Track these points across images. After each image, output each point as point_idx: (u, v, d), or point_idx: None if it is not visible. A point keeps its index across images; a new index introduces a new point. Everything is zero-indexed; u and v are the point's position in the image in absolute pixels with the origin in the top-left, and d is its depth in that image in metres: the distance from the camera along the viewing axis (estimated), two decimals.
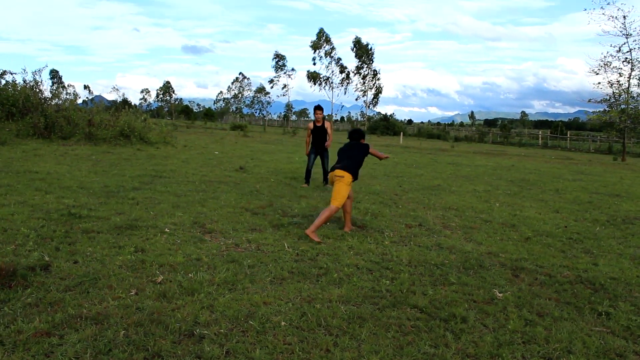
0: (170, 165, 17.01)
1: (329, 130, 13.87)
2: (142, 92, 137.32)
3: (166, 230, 7.99)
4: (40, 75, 26.67)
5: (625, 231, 9.99)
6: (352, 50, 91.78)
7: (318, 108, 13.96)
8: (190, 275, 5.97)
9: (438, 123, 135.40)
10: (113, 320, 4.65)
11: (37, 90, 25.81)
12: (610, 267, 7.33)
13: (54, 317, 4.63)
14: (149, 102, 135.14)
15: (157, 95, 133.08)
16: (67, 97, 28.75)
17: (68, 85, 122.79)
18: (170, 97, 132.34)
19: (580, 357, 4.45)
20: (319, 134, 13.82)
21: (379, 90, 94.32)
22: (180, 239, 7.58)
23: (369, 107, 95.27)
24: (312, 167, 14.10)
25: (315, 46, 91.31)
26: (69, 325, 4.52)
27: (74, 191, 10.97)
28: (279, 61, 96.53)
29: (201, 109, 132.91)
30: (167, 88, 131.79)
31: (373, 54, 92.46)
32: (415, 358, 4.29)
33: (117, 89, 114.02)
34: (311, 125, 13.96)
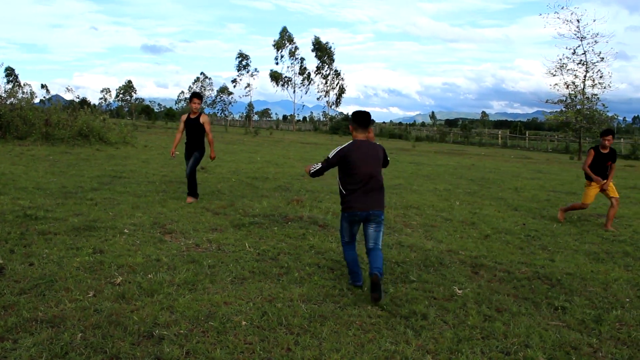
0: (130, 165, 16.80)
1: (206, 127, 10.84)
2: (102, 91, 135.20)
3: (125, 231, 7.88)
4: None
5: (580, 228, 10.21)
6: (312, 50, 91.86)
7: (195, 96, 10.86)
8: (149, 276, 5.90)
9: (400, 123, 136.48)
10: (70, 322, 4.57)
11: None
12: (567, 263, 7.48)
13: (7, 321, 4.52)
14: (109, 101, 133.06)
15: (117, 95, 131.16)
16: (23, 96, 28.09)
17: (24, 84, 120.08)
18: (131, 97, 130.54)
19: (537, 350, 4.53)
20: (193, 130, 10.80)
21: (341, 91, 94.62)
22: (140, 239, 7.49)
23: (331, 107, 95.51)
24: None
25: (279, 45, 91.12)
26: (23, 329, 4.42)
27: (30, 192, 10.75)
28: (242, 61, 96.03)
29: (162, 109, 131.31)
30: (127, 87, 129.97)
31: (333, 53, 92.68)
32: (376, 355, 4.31)
33: (71, 89, 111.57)
34: (184, 117, 11.01)
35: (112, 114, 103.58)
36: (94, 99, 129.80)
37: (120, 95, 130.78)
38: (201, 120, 10.75)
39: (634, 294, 6.22)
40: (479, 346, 4.59)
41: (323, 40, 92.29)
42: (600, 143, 10.43)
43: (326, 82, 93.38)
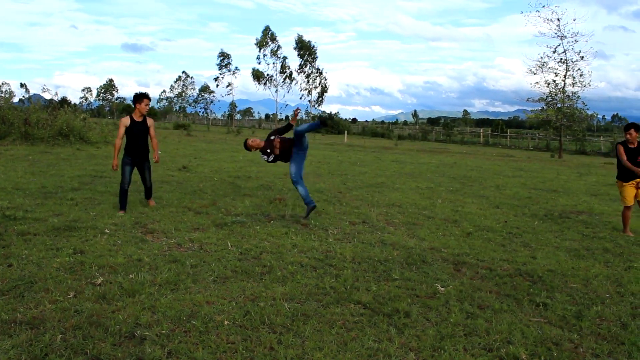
0: (110, 165, 16.61)
1: (152, 132, 9.84)
2: (83, 90, 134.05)
3: (106, 231, 7.82)
4: None
5: (562, 225, 10.29)
6: (295, 49, 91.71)
7: (145, 97, 9.66)
8: (131, 276, 5.85)
9: (382, 122, 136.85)
10: (50, 324, 4.52)
11: None
12: (548, 260, 7.53)
13: None
14: (90, 101, 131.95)
15: (98, 94, 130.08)
16: (2, 95, 27.81)
17: (3, 84, 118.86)
18: (112, 96, 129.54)
19: (520, 347, 4.55)
20: (140, 135, 9.62)
21: (324, 89, 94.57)
22: (121, 239, 7.43)
23: (314, 106, 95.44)
24: (130, 184, 9.67)
25: (261, 44, 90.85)
26: (2, 331, 4.37)
27: (8, 192, 10.63)
28: (224, 59, 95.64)
29: None
30: (109, 86, 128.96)
31: (316, 52, 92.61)
32: (359, 353, 4.31)
33: (47, 89, 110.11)
34: (127, 120, 9.61)
35: (93, 113, 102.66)
36: (75, 98, 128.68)
37: (102, 95, 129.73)
38: (148, 123, 9.67)
39: (614, 290, 6.28)
40: (461, 343, 4.60)
41: (306, 39, 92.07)
42: (627, 139, 9.78)
43: (308, 81, 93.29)
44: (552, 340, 4.75)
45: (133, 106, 9.67)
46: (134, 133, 9.51)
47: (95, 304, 5.02)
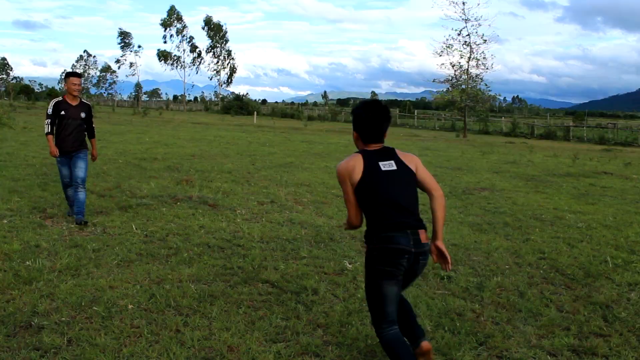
0: (7, 148, 15.80)
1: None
2: None
3: (1, 216, 7.42)
4: None
5: (465, 201, 10.63)
6: (203, 29, 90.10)
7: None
8: (27, 263, 5.58)
9: (292, 103, 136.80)
10: None
11: None
12: (452, 235, 7.75)
13: None
14: None
15: None
16: None
17: None
18: (7, 75, 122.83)
19: (425, 318, 4.67)
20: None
21: (233, 70, 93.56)
22: (18, 225, 7.07)
23: (222, 86, 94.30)
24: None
25: (166, 24, 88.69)
26: None
27: None
28: (125, 39, 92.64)
29: (44, 89, 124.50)
30: (2, 65, 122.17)
31: (226, 33, 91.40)
32: (267, 332, 4.28)
33: None
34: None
35: None
36: None
37: None
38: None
39: (513, 261, 6.55)
40: (368, 318, 4.66)
41: (215, 19, 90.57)
42: None
43: (218, 62, 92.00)
44: (455, 311, 4.90)
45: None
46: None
47: None
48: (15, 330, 4.10)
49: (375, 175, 3.66)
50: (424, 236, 3.62)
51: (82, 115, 7.64)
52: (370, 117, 3.78)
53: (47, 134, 7.53)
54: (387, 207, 3.63)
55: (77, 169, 7.55)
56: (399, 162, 3.76)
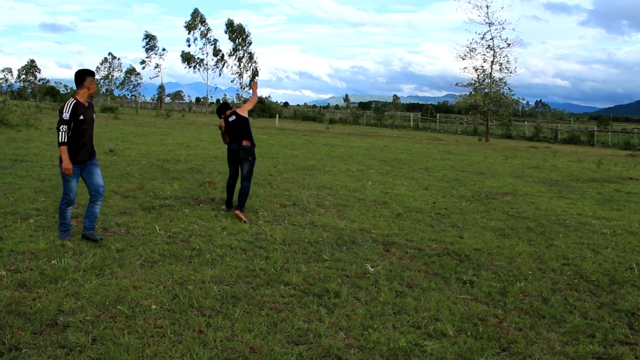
0: (34, 148, 16.03)
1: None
2: (2, 71, 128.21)
3: (28, 216, 7.52)
4: None
5: (488, 205, 10.56)
6: (226, 32, 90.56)
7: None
8: (53, 262, 5.65)
9: (314, 105, 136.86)
10: None
11: None
12: (475, 239, 7.71)
13: None
14: (10, 82, 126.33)
15: (19, 75, 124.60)
16: None
17: None
18: (35, 78, 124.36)
19: (447, 323, 4.65)
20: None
21: (255, 73, 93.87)
22: (43, 225, 7.17)
23: (245, 89, 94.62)
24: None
25: (190, 27, 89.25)
26: None
27: None
28: (150, 41, 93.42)
29: (69, 91, 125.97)
30: (30, 67, 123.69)
31: (249, 36, 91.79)
32: (289, 334, 4.30)
33: None
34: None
35: (14, 95, 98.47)
36: None
37: (23, 76, 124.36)
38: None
39: (536, 267, 6.49)
40: (390, 321, 4.66)
41: (237, 22, 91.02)
42: None
43: (240, 65, 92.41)
44: (478, 316, 4.87)
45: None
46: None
47: (15, 292, 4.82)
48: (42, 328, 4.16)
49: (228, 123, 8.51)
50: (245, 142, 8.53)
51: (94, 117, 6.78)
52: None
53: (62, 144, 6.33)
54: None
55: (96, 176, 6.69)
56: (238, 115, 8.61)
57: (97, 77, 6.75)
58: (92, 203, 6.71)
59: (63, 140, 6.30)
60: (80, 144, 6.47)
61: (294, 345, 4.12)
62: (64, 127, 6.30)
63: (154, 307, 4.66)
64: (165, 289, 5.11)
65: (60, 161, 6.40)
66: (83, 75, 6.52)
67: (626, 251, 7.44)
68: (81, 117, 6.40)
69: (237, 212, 8.14)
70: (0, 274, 5.25)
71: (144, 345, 3.97)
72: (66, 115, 6.30)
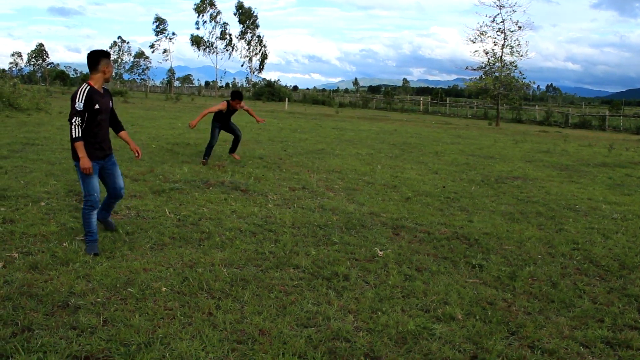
0: (44, 132, 16.08)
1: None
2: (12, 55, 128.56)
3: (38, 199, 7.56)
4: None
5: (497, 190, 10.53)
6: (235, 15, 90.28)
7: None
8: (64, 244, 5.69)
9: (323, 89, 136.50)
10: None
11: None
12: (484, 223, 7.70)
13: None
14: (20, 66, 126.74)
15: (29, 60, 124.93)
16: None
17: None
18: (44, 61, 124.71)
19: (456, 307, 4.65)
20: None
21: (264, 57, 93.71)
22: (54, 208, 7.21)
23: (254, 73, 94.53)
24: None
25: (199, 9, 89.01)
26: None
27: None
28: (160, 25, 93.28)
29: (78, 75, 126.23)
30: (39, 52, 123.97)
31: (257, 19, 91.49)
32: (298, 316, 4.32)
33: None
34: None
35: (24, 79, 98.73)
36: (3, 64, 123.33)
37: (33, 60, 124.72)
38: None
39: (545, 251, 6.49)
40: (399, 305, 4.67)
41: (246, 5, 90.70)
42: None
43: (249, 48, 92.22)
44: (486, 300, 4.88)
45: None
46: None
47: (27, 274, 4.86)
48: (54, 310, 4.19)
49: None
50: None
51: (110, 104, 5.95)
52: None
53: (77, 139, 5.51)
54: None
55: (117, 178, 6.13)
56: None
57: None
58: (111, 200, 6.28)
59: (78, 135, 5.49)
60: (99, 137, 5.73)
61: (303, 327, 4.14)
62: (76, 120, 5.47)
63: (164, 289, 4.69)
64: (175, 271, 5.14)
65: (77, 158, 5.57)
66: (97, 58, 5.63)
67: (636, 236, 7.41)
68: (97, 107, 5.60)
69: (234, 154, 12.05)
70: (13, 256, 5.29)
71: (154, 327, 4.00)
72: (79, 105, 5.46)
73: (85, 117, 5.54)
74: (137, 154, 6.29)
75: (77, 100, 5.46)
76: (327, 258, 5.76)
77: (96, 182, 5.74)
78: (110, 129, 6.01)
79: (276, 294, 4.74)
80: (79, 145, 5.49)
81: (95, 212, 5.77)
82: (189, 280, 4.92)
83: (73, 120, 5.47)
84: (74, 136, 5.48)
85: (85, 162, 5.50)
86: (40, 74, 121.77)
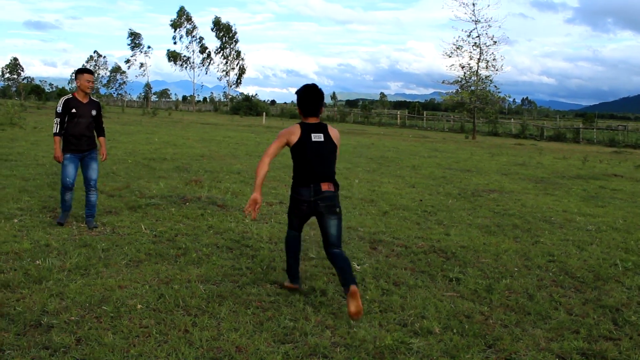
0: (18, 147, 15.88)
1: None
2: None
3: (12, 216, 7.45)
4: None
5: (474, 203, 10.60)
6: (212, 30, 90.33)
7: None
8: (37, 262, 5.61)
9: None
10: None
11: None
12: (461, 237, 7.74)
13: None
14: None
15: (3, 74, 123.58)
16: None
17: None
18: (19, 76, 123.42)
19: (433, 321, 4.65)
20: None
21: (242, 71, 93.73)
22: (28, 224, 7.11)
23: (232, 87, 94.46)
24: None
25: (176, 25, 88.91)
26: None
27: None
28: (134, 39, 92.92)
29: (54, 89, 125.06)
30: (14, 66, 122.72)
31: (235, 34, 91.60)
32: (275, 333, 4.29)
33: None
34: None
35: None
36: None
37: (7, 74, 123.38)
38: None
39: (522, 264, 6.53)
40: (377, 319, 4.66)
41: (224, 20, 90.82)
42: None
43: (227, 62, 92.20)
44: (464, 313, 4.89)
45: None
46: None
47: None
48: (25, 329, 4.12)
49: (307, 142, 4.98)
50: (325, 186, 5.08)
51: (93, 113, 7.31)
52: (307, 96, 5.06)
53: (55, 134, 7.17)
54: (308, 167, 4.98)
55: (90, 170, 7.35)
56: (327, 135, 5.09)
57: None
58: (87, 193, 7.40)
59: (55, 131, 7.19)
60: (76, 135, 7.18)
61: (280, 344, 4.11)
62: (57, 120, 7.17)
63: (139, 306, 4.63)
64: (151, 288, 5.08)
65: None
66: (75, 74, 7.42)
67: (610, 247, 7.50)
68: (73, 111, 7.15)
69: (354, 287, 4.51)
70: None
71: (129, 345, 3.95)
72: (59, 109, 7.17)
73: (64, 119, 7.16)
74: (102, 157, 7.62)
75: (58, 106, 7.21)
76: (304, 273, 5.74)
77: (71, 170, 7.26)
78: None
79: (253, 310, 4.71)
80: (56, 140, 7.22)
81: (69, 193, 7.30)
82: (165, 297, 4.86)
83: (54, 120, 7.19)
84: (53, 131, 7.22)
85: (56, 152, 7.25)
86: (15, 88, 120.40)
